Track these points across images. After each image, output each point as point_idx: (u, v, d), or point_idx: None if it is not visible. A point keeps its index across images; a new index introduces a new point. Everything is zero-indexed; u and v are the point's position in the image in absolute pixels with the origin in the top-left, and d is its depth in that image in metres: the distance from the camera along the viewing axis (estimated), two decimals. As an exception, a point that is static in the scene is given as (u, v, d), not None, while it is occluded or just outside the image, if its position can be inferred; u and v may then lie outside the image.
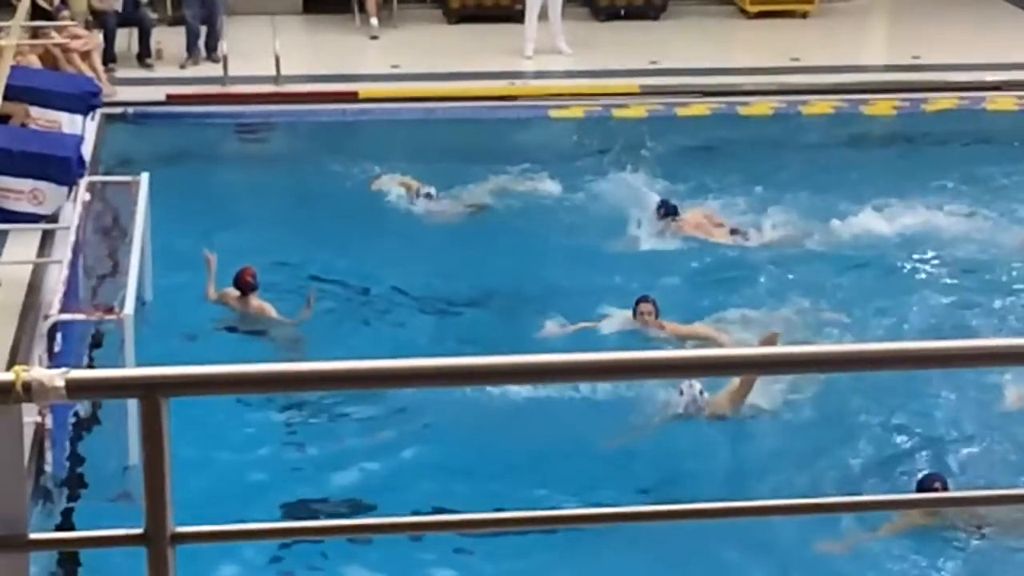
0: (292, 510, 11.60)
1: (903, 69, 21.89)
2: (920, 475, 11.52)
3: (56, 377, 3.15)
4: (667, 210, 16.43)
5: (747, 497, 11.10)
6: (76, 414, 12.48)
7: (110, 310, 12.55)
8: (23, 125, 16.25)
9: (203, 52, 21.53)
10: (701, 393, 12.49)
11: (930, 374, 13.07)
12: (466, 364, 3.32)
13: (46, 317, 12.13)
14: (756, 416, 12.74)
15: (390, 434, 12.64)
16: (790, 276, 15.50)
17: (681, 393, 12.48)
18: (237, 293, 14.36)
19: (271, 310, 14.29)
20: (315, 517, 11.19)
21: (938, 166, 18.67)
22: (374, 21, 23.05)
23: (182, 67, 21.29)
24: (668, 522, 3.46)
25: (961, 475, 11.93)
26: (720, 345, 13.35)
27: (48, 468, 11.68)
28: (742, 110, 20.52)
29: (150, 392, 3.20)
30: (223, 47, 20.91)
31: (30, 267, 14.55)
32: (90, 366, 12.85)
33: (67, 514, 11.51)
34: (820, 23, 24.08)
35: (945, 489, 11.02)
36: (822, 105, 20.70)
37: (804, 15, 24.39)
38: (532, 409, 12.71)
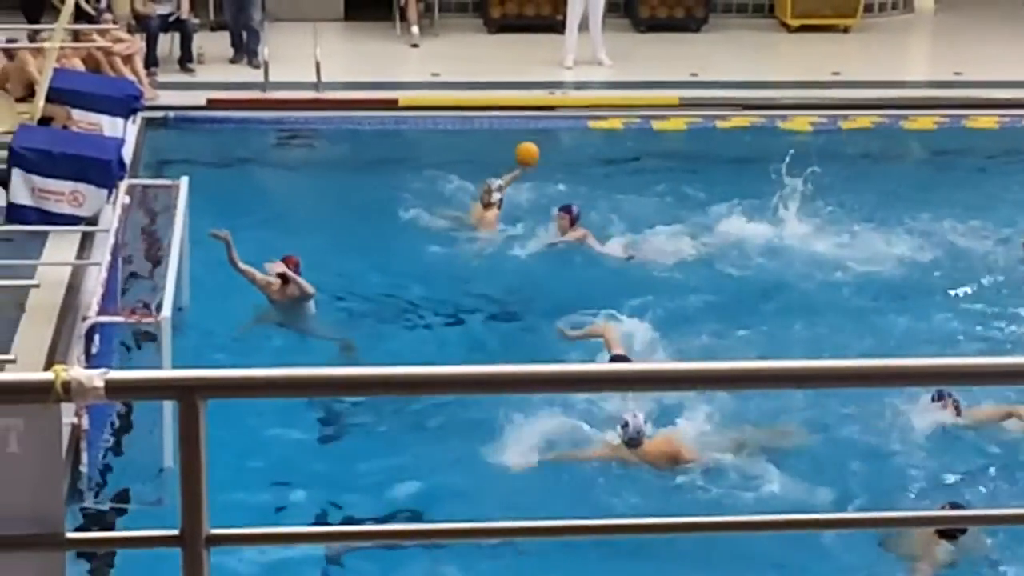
0: (326, 514, 11.61)
1: (945, 85, 21.80)
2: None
3: (95, 377, 3.16)
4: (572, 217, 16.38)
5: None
6: (113, 415, 12.53)
7: (148, 313, 12.59)
8: (65, 127, 16.31)
9: (244, 57, 21.65)
10: (646, 423, 12.21)
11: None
12: (507, 372, 3.32)
13: (84, 319, 12.17)
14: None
15: (428, 440, 12.64)
16: (810, 290, 15.52)
17: (625, 424, 12.17)
18: (279, 282, 14.46)
19: (308, 286, 14.38)
20: (349, 522, 11.20)
21: (977, 183, 18.58)
22: (415, 29, 23.07)
23: (232, 62, 21.52)
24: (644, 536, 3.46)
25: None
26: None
27: (84, 469, 11.73)
28: (782, 124, 20.45)
29: (188, 394, 3.20)
30: (264, 52, 20.97)
31: (69, 269, 14.62)
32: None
33: (102, 515, 11.55)
34: (862, 38, 23.99)
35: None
36: (862, 120, 20.63)
37: (846, 29, 24.31)
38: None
